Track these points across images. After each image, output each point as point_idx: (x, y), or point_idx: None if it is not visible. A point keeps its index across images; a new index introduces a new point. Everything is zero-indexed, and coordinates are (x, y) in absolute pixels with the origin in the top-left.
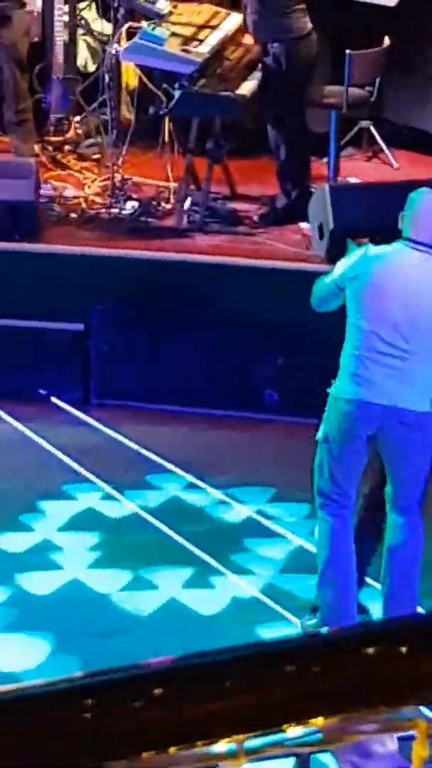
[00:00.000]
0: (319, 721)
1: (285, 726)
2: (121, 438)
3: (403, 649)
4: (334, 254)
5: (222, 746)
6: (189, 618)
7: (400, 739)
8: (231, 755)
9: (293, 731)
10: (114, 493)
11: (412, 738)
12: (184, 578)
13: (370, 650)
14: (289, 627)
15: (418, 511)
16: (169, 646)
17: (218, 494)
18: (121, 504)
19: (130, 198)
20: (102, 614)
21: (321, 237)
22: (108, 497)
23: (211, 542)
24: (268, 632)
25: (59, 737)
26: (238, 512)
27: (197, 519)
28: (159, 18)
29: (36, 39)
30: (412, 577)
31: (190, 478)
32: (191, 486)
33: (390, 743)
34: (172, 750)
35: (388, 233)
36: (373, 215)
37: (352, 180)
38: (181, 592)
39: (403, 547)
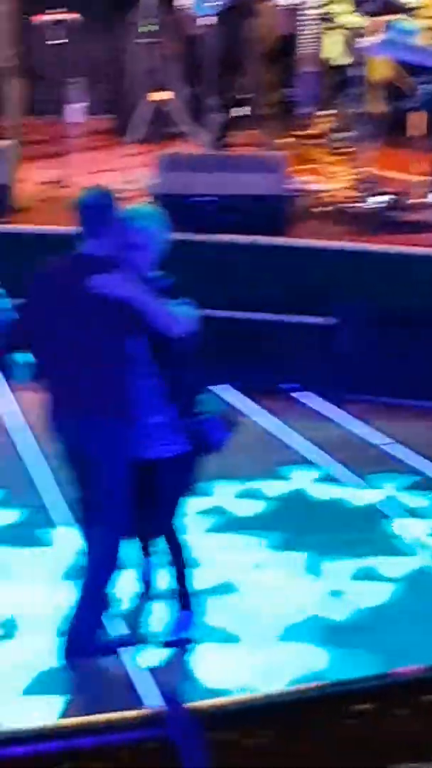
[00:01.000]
0: None
1: None
2: (370, 433)
3: None
4: None
5: None
6: None
7: None
8: None
9: None
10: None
11: None
12: None
13: None
14: None
15: None
16: None
17: None
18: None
19: (379, 192)
20: None
21: None
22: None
23: None
24: None
25: (327, 742)
26: None
27: None
28: (410, 12)
29: (285, 32)
30: None
31: None
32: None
33: None
34: None
35: None
36: None
37: None
38: None
39: None
